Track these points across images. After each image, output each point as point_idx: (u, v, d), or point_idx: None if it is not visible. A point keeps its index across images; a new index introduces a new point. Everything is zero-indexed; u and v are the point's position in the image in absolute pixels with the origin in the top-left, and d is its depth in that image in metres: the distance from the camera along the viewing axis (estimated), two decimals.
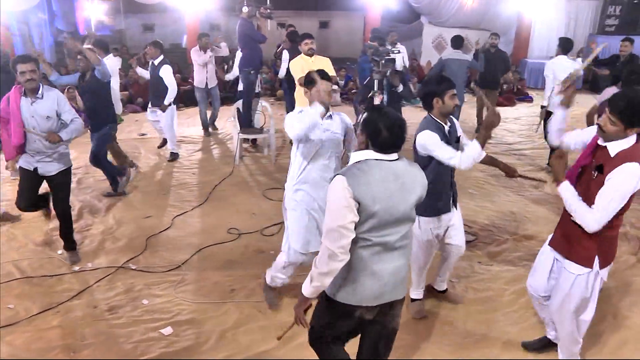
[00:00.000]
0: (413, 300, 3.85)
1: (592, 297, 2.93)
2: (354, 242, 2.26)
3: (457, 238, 3.69)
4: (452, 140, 3.40)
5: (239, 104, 7.52)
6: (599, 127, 2.71)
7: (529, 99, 12.58)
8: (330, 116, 3.52)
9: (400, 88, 5.68)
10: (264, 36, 7.16)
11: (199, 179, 6.69)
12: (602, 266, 2.84)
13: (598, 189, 2.63)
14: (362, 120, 2.39)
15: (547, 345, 3.40)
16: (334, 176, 2.28)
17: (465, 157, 3.15)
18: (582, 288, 2.87)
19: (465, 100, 12.48)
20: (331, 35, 16.88)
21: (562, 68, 6.46)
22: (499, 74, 8.14)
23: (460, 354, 3.43)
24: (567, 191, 2.79)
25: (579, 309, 2.97)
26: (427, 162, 3.33)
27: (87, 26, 12.66)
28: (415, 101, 9.82)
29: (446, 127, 3.38)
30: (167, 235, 5.09)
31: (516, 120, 9.65)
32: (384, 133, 2.28)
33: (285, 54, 7.84)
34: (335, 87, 6.10)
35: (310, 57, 5.91)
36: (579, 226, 2.76)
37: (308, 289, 2.34)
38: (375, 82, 5.49)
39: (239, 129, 7.37)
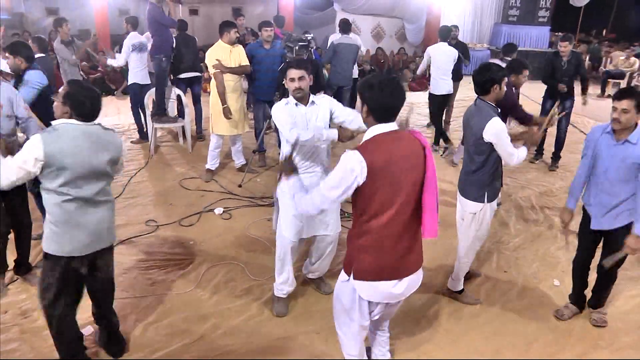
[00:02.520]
0: (461, 291, 3.95)
1: (352, 310, 2.62)
2: (57, 196, 2.69)
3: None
4: None
5: (152, 92, 7.29)
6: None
7: None
8: (313, 102, 3.55)
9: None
10: (173, 20, 6.92)
11: None
12: (355, 277, 2.51)
13: None
14: (64, 92, 2.73)
15: None
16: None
17: (519, 158, 3.39)
18: (340, 296, 2.66)
19: None
20: (245, 22, 16.63)
21: (440, 53, 7.40)
22: (461, 64, 8.20)
23: None
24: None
25: (341, 319, 2.75)
26: (491, 150, 3.43)
27: None
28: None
29: (498, 111, 3.56)
30: None
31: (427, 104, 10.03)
32: (87, 104, 2.73)
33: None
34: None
35: (232, 45, 5.83)
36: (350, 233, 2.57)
37: None
38: None
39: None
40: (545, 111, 6.88)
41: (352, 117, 3.52)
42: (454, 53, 7.49)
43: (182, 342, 3.38)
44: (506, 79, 3.54)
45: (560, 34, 17.53)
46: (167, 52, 7.00)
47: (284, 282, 3.70)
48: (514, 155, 3.37)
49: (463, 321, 3.72)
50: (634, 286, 4.22)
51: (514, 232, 5.11)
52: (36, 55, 6.04)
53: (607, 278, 3.63)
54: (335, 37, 8.18)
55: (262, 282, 4.08)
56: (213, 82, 5.83)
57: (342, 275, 2.61)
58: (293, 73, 3.43)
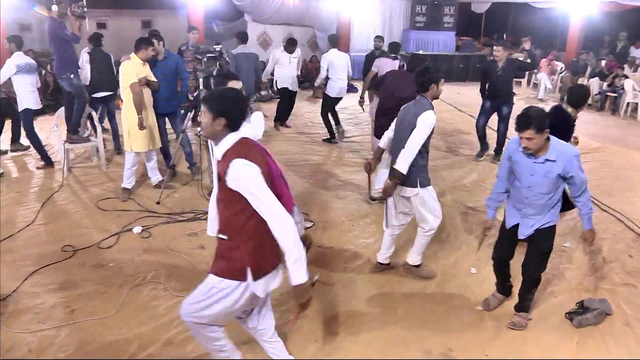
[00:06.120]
0: (419, 265, 4.38)
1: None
2: None
3: None
4: None
5: (60, 112, 6.99)
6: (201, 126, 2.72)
7: (354, 90, 13.41)
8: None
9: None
10: (75, 35, 6.57)
11: (24, 197, 6.10)
12: (256, 276, 2.67)
13: (227, 196, 2.59)
14: None
15: None
16: None
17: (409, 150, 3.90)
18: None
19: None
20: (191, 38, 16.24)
21: (336, 58, 8.26)
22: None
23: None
24: None
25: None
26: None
27: None
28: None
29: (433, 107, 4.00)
30: None
31: (343, 110, 10.28)
32: None
33: (86, 56, 7.58)
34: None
35: (143, 62, 5.72)
36: (225, 240, 2.69)
37: None
38: (200, 80, 5.51)
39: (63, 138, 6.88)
40: (484, 110, 7.55)
41: None
42: (346, 57, 8.38)
43: None
44: (443, 80, 4.04)
45: (465, 38, 18.60)
46: (73, 69, 6.73)
47: None
48: (411, 147, 3.88)
49: (386, 315, 3.88)
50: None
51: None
52: None
53: (532, 281, 3.74)
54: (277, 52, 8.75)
55: (185, 298, 4.00)
56: (127, 97, 5.66)
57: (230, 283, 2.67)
58: (235, 84, 3.68)
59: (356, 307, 3.97)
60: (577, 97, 4.53)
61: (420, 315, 3.88)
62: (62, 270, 4.45)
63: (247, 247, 2.63)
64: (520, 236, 3.64)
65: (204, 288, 2.76)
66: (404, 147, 3.90)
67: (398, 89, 5.47)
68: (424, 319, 3.83)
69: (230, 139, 2.61)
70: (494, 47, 7.43)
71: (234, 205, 2.57)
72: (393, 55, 7.19)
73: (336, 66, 8.25)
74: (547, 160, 3.35)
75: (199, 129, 5.66)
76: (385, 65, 6.83)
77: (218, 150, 2.63)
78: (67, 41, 6.57)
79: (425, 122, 3.86)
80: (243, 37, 8.44)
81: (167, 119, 6.41)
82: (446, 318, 3.85)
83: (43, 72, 10.10)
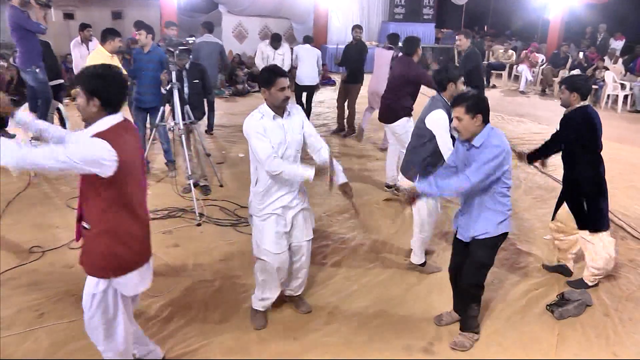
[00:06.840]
0: (424, 264, 4.40)
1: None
2: None
3: None
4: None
5: (25, 107, 6.76)
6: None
7: (332, 83, 13.33)
8: (290, 113, 3.29)
9: None
10: (38, 25, 6.24)
11: None
12: (117, 273, 2.55)
13: (85, 179, 2.43)
14: None
15: None
16: None
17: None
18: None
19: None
20: (126, 26, 15.81)
21: (303, 51, 8.62)
22: (362, 65, 8.32)
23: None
24: None
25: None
26: (431, 136, 3.91)
27: None
28: (220, 92, 9.87)
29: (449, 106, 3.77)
30: None
31: (320, 104, 10.21)
32: None
33: None
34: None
35: (111, 54, 5.56)
36: (87, 230, 2.54)
37: None
38: (173, 73, 5.36)
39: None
40: None
41: (320, 145, 3.38)
42: (316, 52, 8.69)
43: None
44: (462, 79, 3.99)
45: (445, 30, 18.63)
46: (37, 61, 6.47)
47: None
48: (448, 149, 3.77)
49: (366, 311, 3.82)
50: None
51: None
52: None
53: (467, 294, 3.43)
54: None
55: (158, 299, 3.90)
56: None
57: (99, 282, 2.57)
58: (283, 82, 3.14)
59: (336, 303, 3.91)
60: (588, 86, 4.07)
61: (400, 310, 3.84)
62: (30, 272, 4.28)
63: (105, 238, 2.50)
64: (459, 236, 3.37)
65: (87, 298, 2.66)
66: (415, 143, 4.10)
67: (394, 70, 6.04)
68: (404, 314, 3.79)
69: (107, 121, 2.39)
70: (457, 36, 7.15)
71: (91, 188, 2.41)
72: (389, 46, 7.66)
73: (301, 58, 8.63)
74: (472, 146, 3.07)
75: (172, 122, 5.55)
76: (380, 57, 7.72)
77: (89, 132, 2.39)
78: (31, 32, 6.28)
79: (436, 123, 3.87)
80: (209, 27, 8.50)
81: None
82: (426, 312, 3.81)
83: (5, 64, 9.77)
